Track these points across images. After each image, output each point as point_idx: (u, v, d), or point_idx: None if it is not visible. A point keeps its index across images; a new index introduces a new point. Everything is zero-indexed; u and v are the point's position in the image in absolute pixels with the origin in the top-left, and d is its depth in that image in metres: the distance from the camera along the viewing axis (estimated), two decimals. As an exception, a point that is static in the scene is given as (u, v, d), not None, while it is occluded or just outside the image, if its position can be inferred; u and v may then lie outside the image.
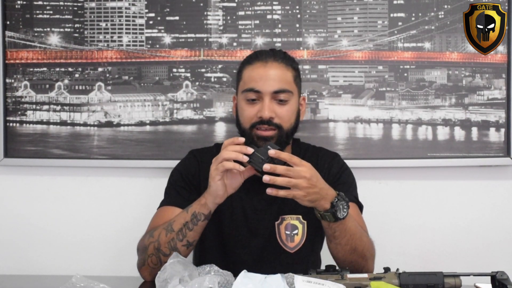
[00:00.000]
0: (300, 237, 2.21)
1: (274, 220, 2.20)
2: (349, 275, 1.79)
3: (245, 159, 1.89)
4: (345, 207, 1.95)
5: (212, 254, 2.22)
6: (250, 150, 1.90)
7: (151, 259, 2.04)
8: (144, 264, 2.06)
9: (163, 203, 2.23)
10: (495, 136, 2.75)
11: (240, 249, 2.20)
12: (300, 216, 2.21)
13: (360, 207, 2.24)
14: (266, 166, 1.87)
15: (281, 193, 1.89)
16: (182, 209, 2.14)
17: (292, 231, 2.21)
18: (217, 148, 2.33)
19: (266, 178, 1.87)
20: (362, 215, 2.24)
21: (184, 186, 2.23)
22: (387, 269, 1.83)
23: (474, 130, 2.77)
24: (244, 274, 1.74)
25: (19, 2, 2.79)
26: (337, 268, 1.83)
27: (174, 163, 2.36)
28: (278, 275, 1.74)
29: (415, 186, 2.79)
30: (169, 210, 2.18)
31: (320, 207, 1.93)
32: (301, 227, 2.19)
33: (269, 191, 1.89)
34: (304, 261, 2.19)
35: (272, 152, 1.88)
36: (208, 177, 2.18)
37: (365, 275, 1.80)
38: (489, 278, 1.81)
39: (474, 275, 1.83)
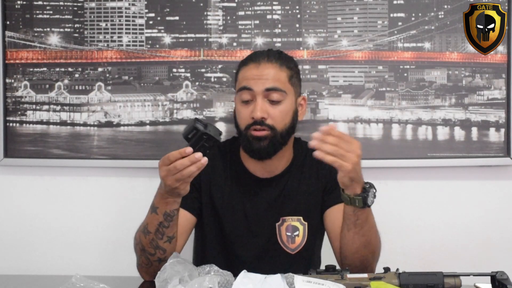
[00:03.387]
0: (300, 238, 2.20)
1: (274, 221, 2.20)
2: (349, 275, 1.79)
3: (203, 164, 1.84)
4: (374, 195, 1.94)
5: (213, 254, 2.22)
6: (199, 155, 1.82)
7: (141, 259, 2.05)
8: (140, 264, 2.08)
9: None
10: (495, 136, 2.75)
11: (241, 250, 2.20)
12: (301, 218, 2.20)
13: None
14: (316, 134, 1.82)
15: (329, 158, 1.83)
16: (184, 208, 2.15)
17: (293, 233, 2.20)
18: (219, 147, 2.32)
19: (313, 143, 1.83)
20: None
21: None
22: (387, 269, 1.82)
23: (474, 130, 2.77)
24: (244, 274, 1.74)
25: (19, 2, 2.79)
26: (337, 268, 1.83)
27: (174, 163, 2.36)
28: (278, 275, 1.74)
29: (415, 186, 2.79)
30: None
31: (351, 190, 1.91)
32: (302, 229, 2.19)
33: (317, 153, 1.83)
34: (304, 262, 2.18)
35: (325, 128, 1.82)
36: (208, 178, 2.20)
37: (365, 275, 1.80)
38: (489, 278, 1.81)
39: (474, 275, 1.83)
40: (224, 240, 2.21)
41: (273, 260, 2.17)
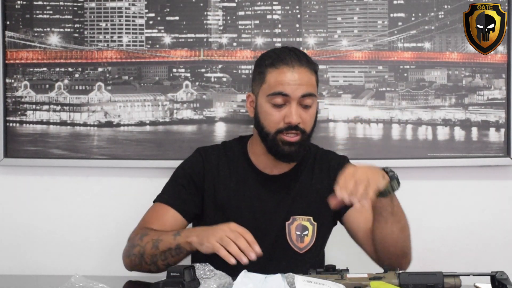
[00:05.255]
0: (310, 238, 2.21)
1: (284, 219, 2.20)
2: (349, 275, 1.79)
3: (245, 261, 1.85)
4: (395, 172, 1.97)
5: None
6: (253, 256, 1.86)
7: (134, 257, 2.07)
8: (129, 257, 2.10)
9: (159, 199, 2.22)
10: (495, 136, 2.75)
11: None
12: (311, 218, 2.21)
13: None
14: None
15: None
16: (175, 210, 2.17)
17: (303, 232, 2.20)
18: (224, 146, 2.32)
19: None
20: None
21: (185, 185, 2.22)
22: (387, 269, 1.83)
23: (474, 130, 2.77)
24: (244, 274, 1.74)
25: (19, 2, 2.79)
26: (337, 268, 1.83)
27: (174, 163, 2.36)
28: (278, 275, 1.74)
29: (415, 186, 2.79)
30: (162, 208, 2.19)
31: (383, 181, 1.91)
32: (312, 228, 2.20)
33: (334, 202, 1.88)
34: (311, 262, 2.17)
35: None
36: (212, 177, 2.20)
37: (365, 275, 1.80)
38: (489, 278, 1.81)
39: (474, 275, 1.83)
40: None
41: (281, 258, 2.17)
